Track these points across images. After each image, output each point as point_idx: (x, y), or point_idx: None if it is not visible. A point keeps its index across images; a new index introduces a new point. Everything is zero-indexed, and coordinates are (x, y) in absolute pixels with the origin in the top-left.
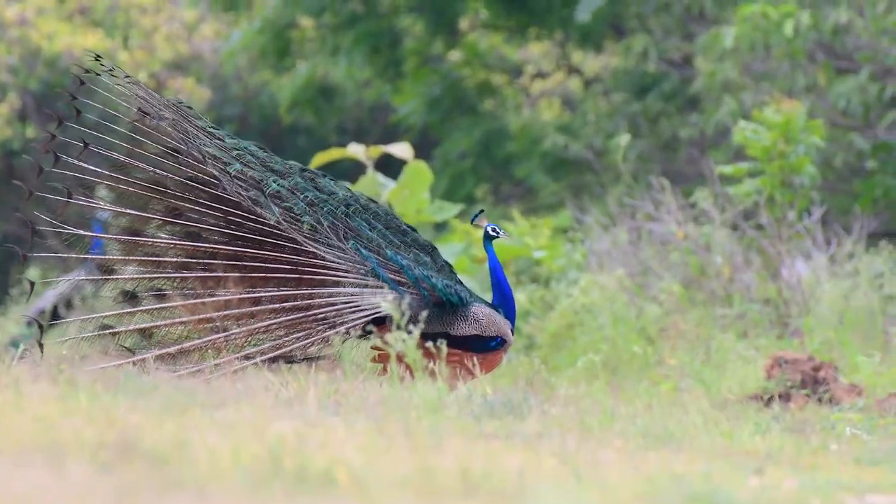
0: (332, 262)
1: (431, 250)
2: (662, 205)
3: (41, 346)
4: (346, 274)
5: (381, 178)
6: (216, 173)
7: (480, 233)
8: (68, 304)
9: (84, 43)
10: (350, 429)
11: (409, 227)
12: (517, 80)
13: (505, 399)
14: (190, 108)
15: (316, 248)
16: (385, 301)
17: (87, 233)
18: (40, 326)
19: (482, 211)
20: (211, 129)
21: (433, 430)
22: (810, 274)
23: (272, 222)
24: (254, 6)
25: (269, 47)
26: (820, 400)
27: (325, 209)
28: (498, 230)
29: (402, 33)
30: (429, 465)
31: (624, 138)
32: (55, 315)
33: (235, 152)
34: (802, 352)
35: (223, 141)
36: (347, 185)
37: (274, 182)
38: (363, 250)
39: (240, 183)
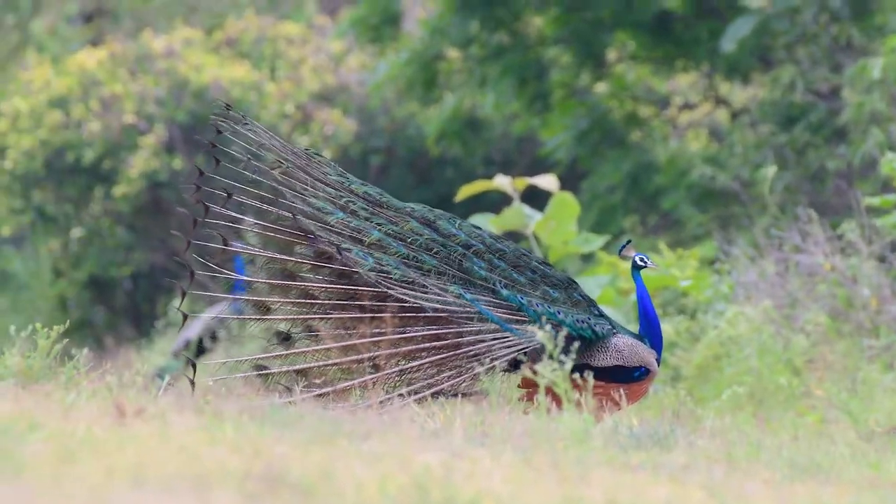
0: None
1: (567, 285)
2: (809, 236)
3: (191, 379)
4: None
5: (527, 209)
6: (310, 226)
7: (627, 264)
8: (213, 337)
9: (231, 74)
10: (496, 460)
11: (543, 263)
12: (664, 111)
13: (651, 430)
14: (316, 154)
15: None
16: (541, 331)
17: (238, 276)
18: (187, 359)
19: (630, 241)
20: (329, 177)
21: (579, 461)
22: None
23: (364, 272)
24: (400, 38)
25: (416, 79)
26: None
27: (436, 252)
28: (646, 260)
29: (548, 65)
30: (575, 496)
31: (771, 170)
32: (200, 347)
33: (344, 200)
34: None
35: (337, 189)
36: (476, 224)
37: (376, 230)
38: (466, 294)
39: (333, 234)
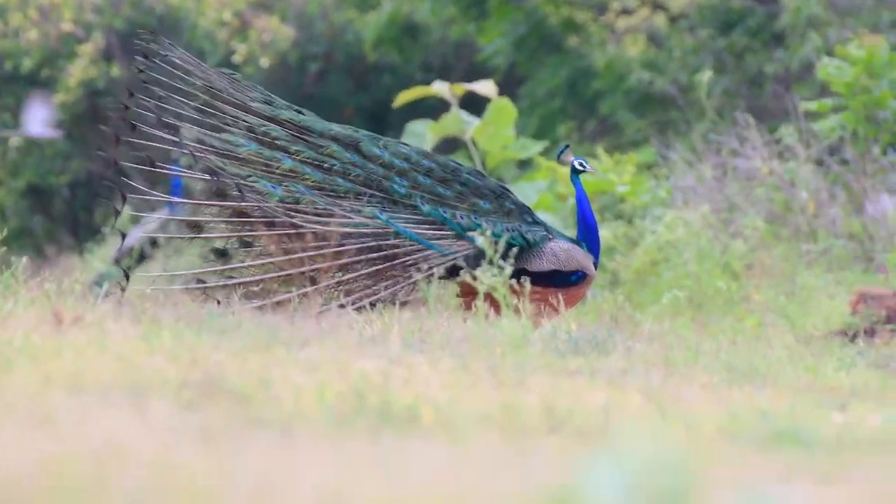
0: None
1: (500, 195)
2: (747, 141)
3: (123, 287)
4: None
5: (465, 115)
6: (220, 166)
7: (565, 169)
8: (153, 244)
9: None
10: (434, 366)
11: (475, 174)
12: (602, 16)
13: (589, 335)
14: (241, 79)
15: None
16: (481, 237)
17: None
18: (125, 267)
19: (567, 146)
20: (253, 103)
21: (518, 367)
22: (895, 209)
23: (271, 204)
24: None
25: None
26: None
27: (355, 175)
28: (585, 164)
29: None
30: (513, 401)
31: (707, 74)
32: (141, 255)
33: (263, 129)
34: (887, 287)
35: (258, 117)
36: (405, 143)
37: (289, 159)
38: (381, 215)
39: (246, 166)
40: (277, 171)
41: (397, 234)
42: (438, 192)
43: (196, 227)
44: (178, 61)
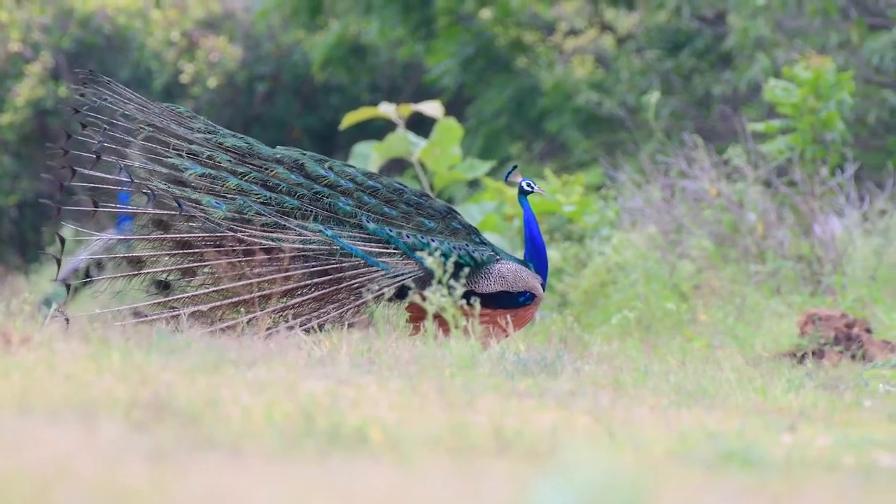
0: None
1: (446, 215)
2: (695, 162)
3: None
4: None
5: (412, 136)
6: (163, 188)
7: (513, 190)
8: (99, 265)
9: (116, 2)
10: (383, 387)
11: (421, 195)
12: (550, 37)
13: (538, 357)
14: (184, 110)
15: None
16: (429, 257)
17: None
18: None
19: (515, 167)
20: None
21: (466, 388)
22: (843, 230)
23: (217, 219)
24: None
25: (302, 5)
26: (853, 357)
27: (300, 195)
28: (533, 185)
29: None
30: (462, 422)
31: (654, 95)
32: (87, 275)
33: (206, 154)
34: (836, 308)
35: (201, 145)
36: (350, 164)
37: (234, 179)
38: (326, 231)
39: (189, 188)
40: (223, 190)
41: (343, 253)
42: (384, 211)
43: (138, 262)
44: (118, 98)
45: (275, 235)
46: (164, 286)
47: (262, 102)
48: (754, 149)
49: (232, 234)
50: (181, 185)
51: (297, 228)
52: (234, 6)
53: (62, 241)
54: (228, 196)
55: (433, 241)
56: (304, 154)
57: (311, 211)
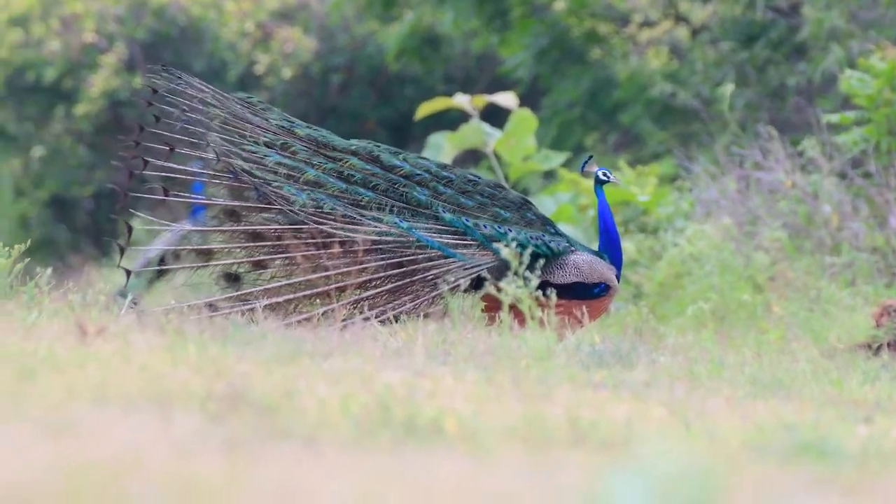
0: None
1: (521, 205)
2: (770, 153)
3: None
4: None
5: (486, 127)
6: (246, 169)
7: (589, 181)
8: (176, 256)
9: None
10: (459, 378)
11: (495, 186)
12: (624, 28)
13: (613, 348)
14: (258, 101)
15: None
16: (506, 248)
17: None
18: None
19: (591, 157)
20: (271, 122)
21: (542, 380)
22: None
23: (296, 209)
24: None
25: None
26: None
27: (375, 185)
28: (609, 174)
29: None
30: (537, 414)
31: (729, 87)
32: (160, 265)
33: (281, 142)
34: None
35: (277, 134)
36: (424, 157)
37: (313, 169)
38: (402, 223)
39: (268, 173)
40: (301, 182)
41: (419, 245)
42: (460, 201)
43: (209, 253)
44: (192, 91)
45: (350, 227)
46: (234, 278)
47: (336, 94)
48: (829, 140)
49: (314, 225)
50: (261, 169)
51: (372, 221)
52: None
53: (129, 229)
54: (306, 187)
55: (510, 230)
56: (379, 146)
57: (386, 203)
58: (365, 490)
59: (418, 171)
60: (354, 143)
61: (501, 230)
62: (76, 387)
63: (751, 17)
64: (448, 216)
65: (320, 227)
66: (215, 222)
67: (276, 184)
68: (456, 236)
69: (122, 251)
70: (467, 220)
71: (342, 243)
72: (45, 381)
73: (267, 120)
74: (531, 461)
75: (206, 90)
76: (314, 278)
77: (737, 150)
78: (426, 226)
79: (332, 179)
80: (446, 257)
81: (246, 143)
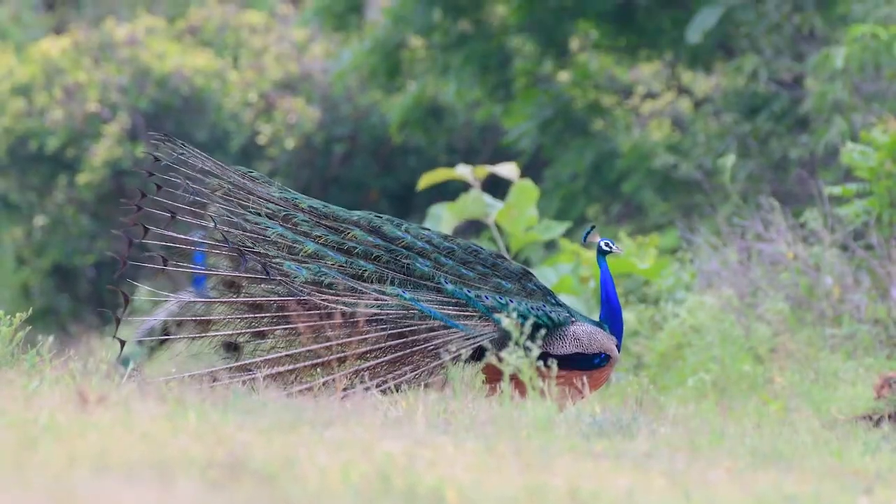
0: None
1: (522, 276)
2: (772, 225)
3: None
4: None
5: (488, 198)
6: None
7: (591, 252)
8: (178, 324)
9: (194, 63)
10: (459, 448)
11: (496, 256)
12: (627, 100)
13: (614, 418)
14: (258, 175)
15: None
16: (507, 319)
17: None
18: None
19: (594, 227)
20: (272, 195)
21: (543, 450)
22: None
23: (296, 285)
24: (364, 26)
25: (380, 67)
26: None
27: (376, 257)
28: (611, 244)
29: (511, 53)
30: (538, 484)
31: (730, 159)
32: (165, 334)
33: (284, 215)
34: None
35: (279, 206)
36: (426, 227)
37: (313, 242)
38: (405, 294)
39: (271, 247)
40: (301, 255)
41: (422, 315)
42: (461, 272)
43: (208, 323)
44: (193, 161)
45: (352, 300)
46: (234, 348)
47: (339, 164)
48: (831, 212)
49: (316, 298)
50: (263, 242)
51: (373, 293)
52: (311, 68)
53: (126, 299)
54: (306, 261)
55: (511, 301)
56: (380, 217)
57: (387, 274)
58: None
59: (420, 243)
60: (356, 214)
61: (502, 301)
62: (77, 455)
63: (754, 89)
64: (450, 287)
65: (319, 300)
66: (215, 293)
67: (277, 260)
68: (458, 307)
69: (117, 322)
70: (469, 291)
71: (344, 314)
72: (47, 450)
73: (269, 192)
74: None
75: (208, 161)
76: (315, 348)
77: (738, 222)
78: (428, 297)
79: (331, 253)
80: (448, 328)
81: (248, 214)
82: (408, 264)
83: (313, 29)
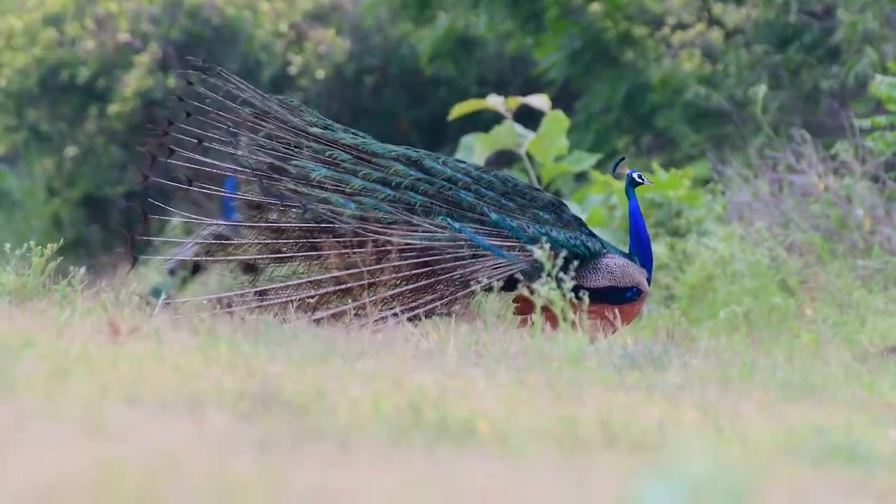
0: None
1: (557, 207)
2: (803, 156)
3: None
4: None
5: (519, 129)
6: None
7: (621, 183)
8: (209, 253)
9: None
10: (491, 380)
11: (531, 188)
12: (658, 31)
13: (645, 350)
14: (299, 105)
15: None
16: (539, 250)
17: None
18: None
19: (623, 158)
20: (309, 129)
21: (574, 382)
22: None
23: (346, 218)
24: None
25: None
26: None
27: (422, 190)
28: (642, 176)
29: None
30: (570, 416)
31: (761, 90)
32: (196, 266)
33: (328, 153)
34: None
35: (321, 142)
36: (461, 160)
37: (358, 179)
38: (454, 223)
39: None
40: (348, 190)
41: (470, 244)
42: (501, 203)
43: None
44: (232, 90)
45: (402, 232)
46: (255, 270)
47: (369, 95)
48: (861, 144)
49: (372, 231)
50: (308, 185)
51: (425, 224)
52: None
53: (145, 215)
54: (354, 195)
55: (550, 231)
56: (418, 151)
57: (432, 206)
58: (399, 492)
59: (460, 175)
60: (394, 150)
61: (542, 230)
62: (109, 386)
63: (784, 20)
64: (494, 217)
65: (374, 235)
66: (245, 217)
67: (324, 195)
68: (500, 237)
69: (130, 239)
70: (511, 221)
71: (375, 243)
72: (79, 381)
73: (307, 123)
74: (564, 463)
75: (245, 89)
76: (347, 275)
77: (770, 154)
78: (473, 227)
79: (379, 186)
80: (497, 257)
81: (288, 152)
82: (451, 196)
83: None
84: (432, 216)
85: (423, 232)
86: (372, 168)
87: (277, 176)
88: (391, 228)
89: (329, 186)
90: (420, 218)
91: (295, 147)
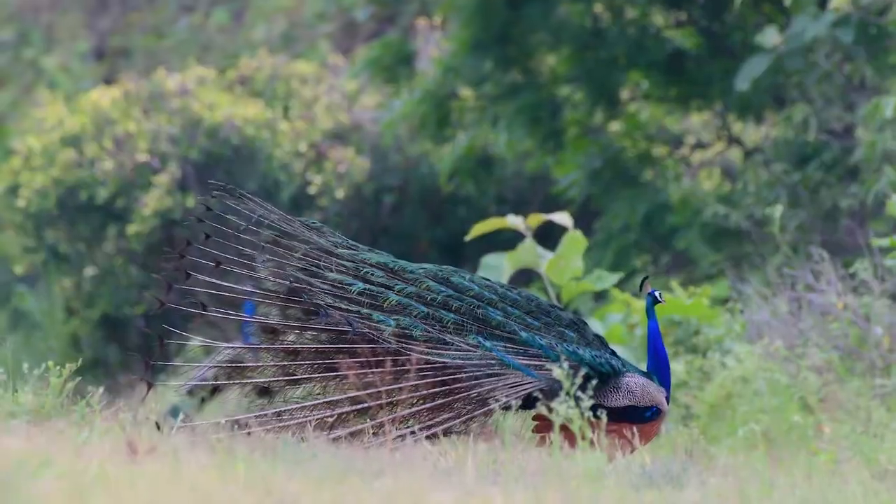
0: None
1: (579, 325)
2: (822, 275)
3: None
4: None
5: (539, 249)
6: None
7: (640, 302)
8: (229, 375)
9: (244, 113)
10: (509, 498)
11: (553, 306)
12: (677, 150)
13: (664, 469)
14: (322, 226)
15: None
16: (558, 369)
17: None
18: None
19: (647, 277)
20: (336, 250)
21: (592, 500)
22: None
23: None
24: (414, 77)
25: (429, 117)
26: None
27: (454, 308)
28: (661, 296)
29: (562, 103)
30: None
31: (777, 209)
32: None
33: (362, 271)
34: None
35: (350, 261)
36: (485, 277)
37: (394, 294)
38: (485, 343)
39: (353, 304)
40: (385, 306)
41: (501, 364)
42: (528, 321)
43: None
44: (258, 211)
45: (437, 351)
46: (266, 393)
47: (389, 214)
48: (881, 262)
49: (413, 351)
50: (346, 300)
51: (457, 342)
52: (361, 118)
53: (161, 342)
54: (393, 312)
55: (578, 349)
56: (443, 268)
57: (464, 323)
58: None
59: (487, 293)
60: (422, 267)
61: (570, 349)
62: None
63: (803, 139)
64: (524, 334)
65: (412, 352)
66: (260, 340)
67: (364, 311)
68: (528, 356)
69: (147, 366)
70: (541, 340)
71: (395, 361)
72: (97, 501)
73: (335, 246)
74: None
75: (273, 213)
76: (363, 394)
77: (788, 272)
78: (502, 346)
79: (413, 303)
80: (526, 377)
81: (318, 268)
82: (480, 313)
83: (363, 80)
84: (464, 334)
85: (455, 350)
86: (405, 283)
87: (307, 296)
88: (428, 346)
89: (365, 302)
90: (452, 336)
91: (324, 267)
